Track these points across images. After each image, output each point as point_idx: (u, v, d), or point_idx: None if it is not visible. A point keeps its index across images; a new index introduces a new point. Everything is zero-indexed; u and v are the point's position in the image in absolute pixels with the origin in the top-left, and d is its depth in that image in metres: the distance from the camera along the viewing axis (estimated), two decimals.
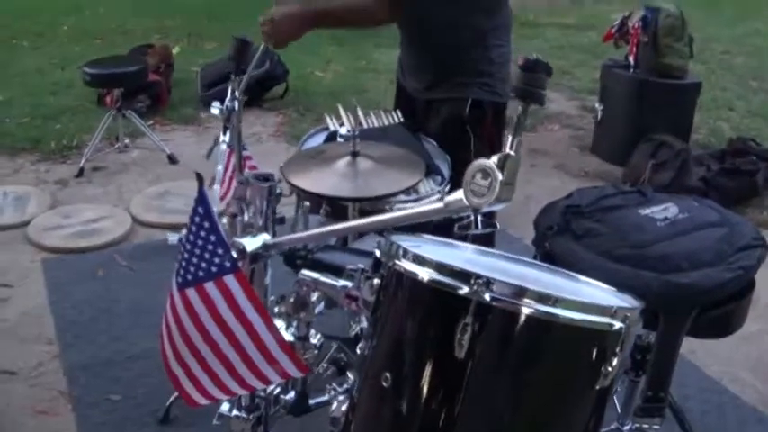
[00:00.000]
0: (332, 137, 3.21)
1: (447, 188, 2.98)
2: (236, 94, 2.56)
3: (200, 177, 1.90)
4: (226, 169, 2.51)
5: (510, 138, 1.66)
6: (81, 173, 6.33)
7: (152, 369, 3.80)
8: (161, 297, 3.86)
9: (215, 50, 9.39)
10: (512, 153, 1.64)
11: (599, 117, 6.94)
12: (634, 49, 6.72)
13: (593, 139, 7.10)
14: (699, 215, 2.94)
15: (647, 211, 2.96)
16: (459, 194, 1.70)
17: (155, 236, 5.42)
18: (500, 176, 1.62)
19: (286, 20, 3.12)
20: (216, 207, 2.39)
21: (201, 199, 1.88)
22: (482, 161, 1.65)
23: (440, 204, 1.75)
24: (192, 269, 1.93)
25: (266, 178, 2.09)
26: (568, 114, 7.91)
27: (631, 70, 6.76)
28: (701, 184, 5.97)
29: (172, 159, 6.59)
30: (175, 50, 8.54)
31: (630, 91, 6.76)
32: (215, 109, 2.55)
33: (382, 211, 2.74)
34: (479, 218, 2.67)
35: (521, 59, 1.65)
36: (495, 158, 1.64)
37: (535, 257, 2.81)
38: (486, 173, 1.64)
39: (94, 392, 3.84)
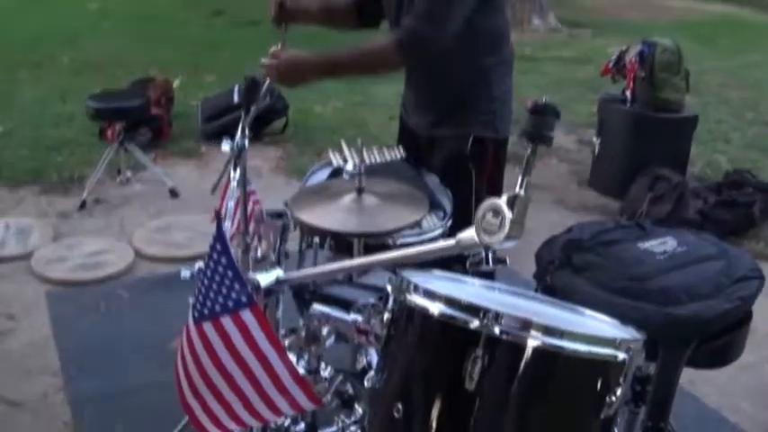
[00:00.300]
0: (336, 173, 3.26)
1: (449, 223, 3.04)
2: (247, 131, 2.61)
3: (218, 215, 1.96)
4: (237, 206, 2.56)
5: (519, 178, 1.72)
6: (83, 205, 6.36)
7: (156, 400, 3.80)
8: (164, 329, 3.94)
9: (214, 83, 9.45)
10: (521, 193, 1.70)
11: (596, 151, 6.99)
12: (631, 83, 6.79)
13: (591, 173, 7.14)
14: (697, 248, 3.00)
15: (647, 244, 3.02)
16: (470, 232, 1.76)
17: (157, 269, 5.46)
18: (510, 215, 1.68)
19: (298, 65, 3.19)
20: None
21: (219, 236, 1.93)
22: (493, 201, 1.72)
23: (452, 242, 1.81)
24: (209, 304, 1.98)
25: (279, 215, 2.14)
26: (566, 148, 7.96)
27: (628, 104, 6.83)
28: (699, 217, 6.02)
29: (173, 193, 6.62)
30: (176, 84, 8.59)
31: (628, 125, 6.82)
32: (225, 146, 2.60)
33: (386, 245, 2.79)
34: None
35: (529, 102, 1.72)
36: (504, 198, 1.70)
37: (536, 290, 2.86)
38: (496, 212, 1.70)
39: (99, 424, 3.86)
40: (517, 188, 1.71)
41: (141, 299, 5.06)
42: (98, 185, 6.57)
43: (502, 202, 1.70)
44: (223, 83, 8.92)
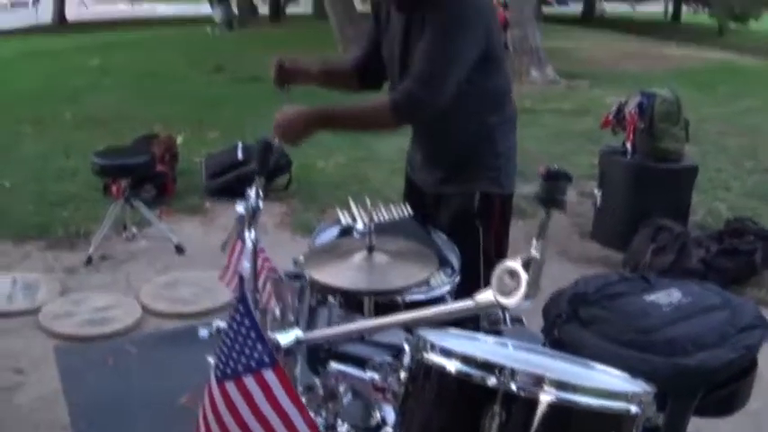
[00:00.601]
0: (345, 231, 3.31)
1: (457, 279, 3.08)
2: (260, 193, 2.68)
3: (241, 279, 2.01)
4: (255, 269, 2.61)
5: (534, 241, 1.78)
6: (89, 261, 6.40)
7: None
8: (172, 385, 3.97)
9: (217, 139, 9.56)
10: (537, 256, 1.76)
11: (598, 203, 7.02)
12: (631, 134, 6.85)
13: (593, 225, 7.17)
14: (701, 298, 3.05)
15: (652, 296, 3.07)
16: (488, 294, 1.81)
17: (165, 325, 5.49)
18: (526, 277, 1.74)
19: (296, 118, 3.25)
20: None
21: (242, 298, 1.98)
22: (509, 263, 1.78)
23: (470, 303, 1.87)
24: (231, 363, 2.02)
25: (297, 276, 2.19)
26: (568, 201, 7.96)
27: (629, 156, 6.89)
28: (701, 266, 6.07)
29: (179, 249, 6.67)
30: (179, 140, 8.68)
31: (629, 176, 6.88)
32: (240, 208, 2.66)
33: (396, 303, 2.83)
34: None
35: (542, 168, 1.78)
36: (520, 260, 1.76)
37: (544, 345, 2.90)
38: (513, 274, 1.76)
39: None
40: (532, 250, 1.77)
41: (149, 354, 5.08)
42: (104, 241, 6.62)
43: (518, 264, 1.76)
44: (226, 139, 9.02)
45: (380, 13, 3.59)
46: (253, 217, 2.61)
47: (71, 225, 7.16)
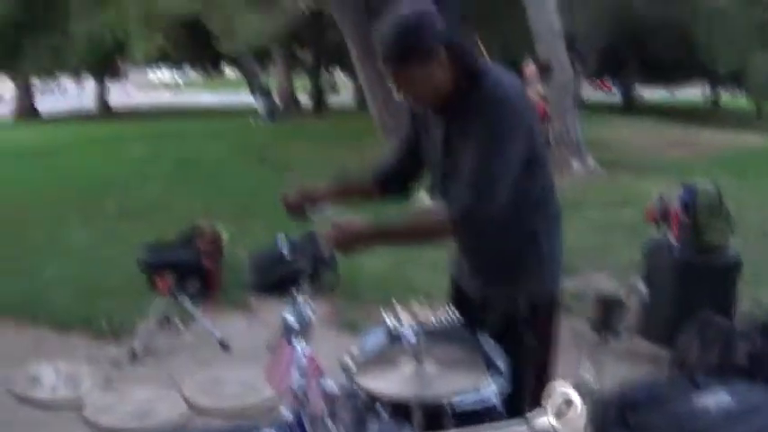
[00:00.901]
0: (392, 335, 3.31)
1: (505, 385, 3.07)
2: (311, 305, 2.71)
3: (295, 396, 2.02)
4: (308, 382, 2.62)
5: (584, 362, 1.79)
6: (133, 353, 6.43)
7: None
8: None
9: (262, 232, 9.58)
10: (590, 382, 1.77)
11: (643, 298, 6.96)
12: (675, 229, 6.83)
13: (639, 321, 7.06)
14: (749, 400, 3.03)
15: (700, 400, 3.06)
16: (543, 418, 1.81)
17: (208, 421, 5.48)
18: (581, 403, 1.74)
19: (351, 233, 3.27)
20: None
21: (299, 421, 1.99)
22: (562, 388, 1.77)
23: (524, 427, 1.87)
24: None
25: (345, 383, 2.19)
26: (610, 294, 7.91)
27: (674, 250, 6.85)
28: (748, 361, 5.98)
29: (223, 344, 6.67)
30: (225, 235, 8.72)
31: (674, 271, 6.81)
32: (289, 317, 2.68)
33: (444, 411, 2.83)
34: None
35: (595, 296, 1.79)
36: (573, 383, 1.76)
37: None
38: (568, 400, 1.76)
39: None
40: (586, 375, 1.78)
41: None
42: (148, 334, 6.65)
43: (571, 389, 1.76)
44: (271, 231, 9.02)
45: (418, 117, 3.62)
46: (303, 327, 2.63)
47: (115, 317, 7.20)
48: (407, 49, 3.18)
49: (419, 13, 3.21)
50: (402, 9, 3.24)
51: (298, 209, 3.73)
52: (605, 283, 8.15)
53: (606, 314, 1.82)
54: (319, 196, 3.76)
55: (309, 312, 2.65)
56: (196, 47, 33.92)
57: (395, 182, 3.80)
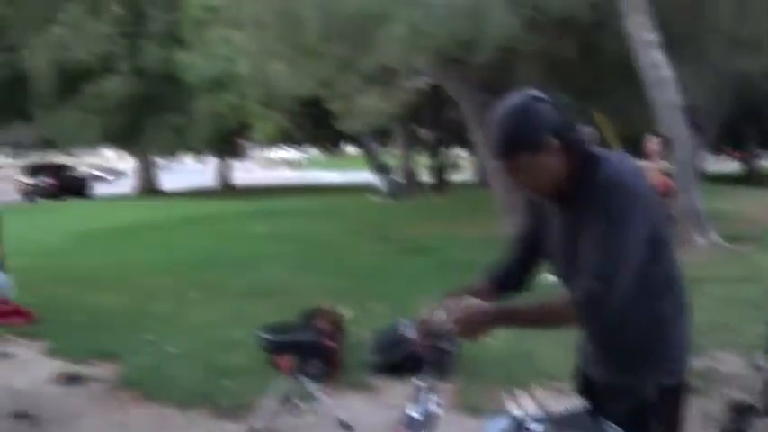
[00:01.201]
0: (516, 422, 3.30)
1: None
2: (440, 402, 2.73)
3: None
4: None
5: None
6: None
7: None
8: None
9: (384, 313, 9.63)
10: None
11: None
12: None
13: (764, 399, 6.89)
14: None
15: None
16: None
17: None
18: None
19: (478, 316, 3.29)
20: None
21: None
22: None
23: None
24: None
25: None
26: (735, 374, 7.68)
27: None
28: None
29: (345, 426, 6.67)
30: (348, 316, 8.78)
31: None
32: (414, 413, 2.70)
33: None
34: None
35: (731, 402, 1.79)
36: None
37: None
38: None
39: None
40: None
41: None
42: (269, 414, 6.69)
43: None
44: (393, 312, 9.09)
45: (536, 207, 3.60)
46: (427, 420, 2.65)
47: (236, 396, 7.31)
48: (515, 142, 3.18)
49: (525, 105, 3.20)
50: (511, 98, 3.25)
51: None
52: (728, 361, 7.96)
53: (738, 421, 1.81)
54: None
55: (434, 407, 2.67)
56: (316, 126, 34.46)
57: (512, 281, 3.77)
